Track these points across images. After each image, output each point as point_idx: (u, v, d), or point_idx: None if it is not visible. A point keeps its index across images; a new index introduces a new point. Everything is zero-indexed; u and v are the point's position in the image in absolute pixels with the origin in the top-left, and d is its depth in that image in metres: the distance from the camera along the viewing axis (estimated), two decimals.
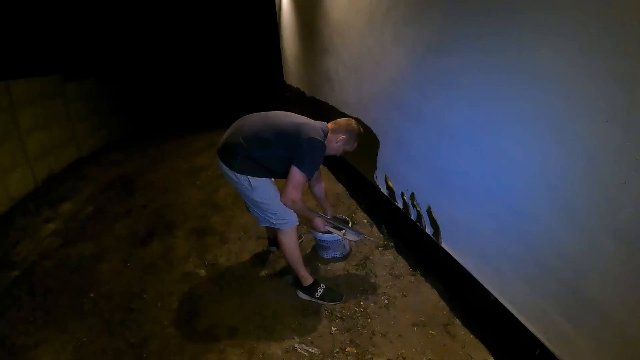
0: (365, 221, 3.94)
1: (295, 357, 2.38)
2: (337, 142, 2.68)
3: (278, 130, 2.53)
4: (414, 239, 3.17)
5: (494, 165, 2.07)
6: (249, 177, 2.56)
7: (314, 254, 3.42)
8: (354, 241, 3.29)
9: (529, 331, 1.98)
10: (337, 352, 2.38)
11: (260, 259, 3.45)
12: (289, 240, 2.76)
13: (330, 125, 2.72)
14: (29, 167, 5.90)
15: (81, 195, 5.61)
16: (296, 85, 7.18)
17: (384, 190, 3.60)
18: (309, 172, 2.47)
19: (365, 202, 4.22)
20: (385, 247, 3.42)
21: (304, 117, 2.72)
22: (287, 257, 2.82)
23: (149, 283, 3.24)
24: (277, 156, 2.53)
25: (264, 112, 2.73)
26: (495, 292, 2.24)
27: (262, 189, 2.62)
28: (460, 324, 2.53)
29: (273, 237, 3.42)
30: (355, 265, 3.23)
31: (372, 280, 3.02)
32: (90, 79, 8.81)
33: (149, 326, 2.75)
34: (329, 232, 2.99)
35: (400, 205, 3.31)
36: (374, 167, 3.76)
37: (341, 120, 2.75)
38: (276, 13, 8.32)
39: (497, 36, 1.89)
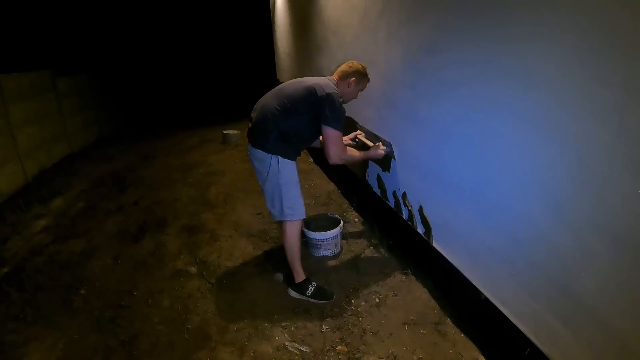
0: (356, 220, 3.95)
1: (286, 356, 2.38)
2: (349, 87, 2.81)
3: (296, 97, 2.61)
4: (405, 238, 3.18)
5: (486, 165, 2.08)
6: (279, 157, 2.62)
7: (304, 253, 3.41)
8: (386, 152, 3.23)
9: (520, 330, 1.99)
10: (328, 351, 2.39)
11: (251, 256, 3.44)
12: (294, 232, 2.79)
13: (335, 76, 2.83)
14: (20, 163, 5.85)
15: (72, 192, 5.58)
16: None
17: (376, 190, 3.61)
18: (339, 126, 2.59)
19: (357, 201, 4.22)
20: (377, 246, 3.43)
21: (311, 77, 2.79)
22: (287, 248, 2.84)
23: (140, 280, 3.23)
24: (304, 122, 2.63)
25: (277, 87, 2.79)
26: (485, 292, 2.25)
27: (288, 170, 2.68)
28: (451, 323, 2.54)
29: None
30: (347, 263, 3.23)
31: (364, 279, 3.02)
32: (82, 74, 8.75)
33: (140, 323, 2.75)
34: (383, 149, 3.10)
35: (391, 204, 3.32)
36: (365, 166, 3.76)
37: (342, 67, 2.84)
38: (270, 10, 8.30)
39: (491, 36, 1.90)
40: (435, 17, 2.36)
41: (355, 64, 2.83)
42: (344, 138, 3.16)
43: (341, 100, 2.64)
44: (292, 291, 2.90)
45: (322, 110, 2.54)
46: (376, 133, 3.42)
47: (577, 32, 1.43)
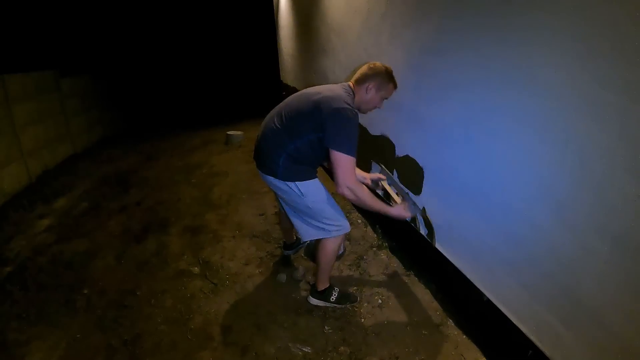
0: (359, 221, 3.95)
1: (289, 356, 2.38)
2: (367, 93, 2.35)
3: (299, 115, 2.27)
4: (408, 240, 3.18)
5: (488, 167, 2.08)
6: (296, 183, 2.34)
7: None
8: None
9: (522, 332, 1.99)
10: (330, 352, 2.39)
11: (253, 257, 3.44)
12: (335, 247, 2.55)
13: (351, 81, 2.40)
14: (24, 163, 5.88)
15: (75, 192, 5.59)
16: (292, 85, 7.18)
17: (379, 191, 3.61)
18: (348, 149, 2.15)
19: None
20: (380, 248, 3.43)
21: (321, 87, 2.39)
22: (322, 262, 2.63)
23: (143, 280, 3.24)
24: (310, 141, 2.27)
25: (285, 100, 2.47)
26: (488, 293, 2.25)
27: (313, 193, 2.40)
28: (453, 324, 2.54)
29: (291, 242, 3.29)
30: (350, 265, 3.23)
31: (366, 280, 3.02)
32: (86, 75, 8.79)
33: (142, 323, 2.75)
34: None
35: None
36: (368, 168, 3.76)
37: (362, 69, 2.39)
38: (274, 12, 8.31)
39: (493, 38, 1.90)
40: (438, 19, 2.36)
41: (377, 65, 2.35)
42: (365, 175, 2.86)
43: (355, 114, 2.22)
44: (314, 299, 2.77)
45: (327, 130, 2.15)
46: (402, 186, 2.99)
47: (579, 36, 1.43)
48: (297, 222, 2.56)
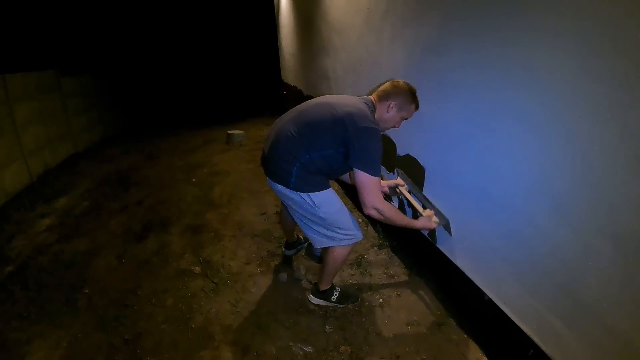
0: (360, 220, 3.94)
1: (290, 356, 2.38)
2: (388, 112, 2.28)
3: (319, 127, 2.17)
4: (409, 239, 3.18)
5: (490, 166, 2.07)
6: (309, 194, 2.25)
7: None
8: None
9: (523, 332, 1.98)
10: (331, 351, 2.39)
11: (255, 256, 3.44)
12: (345, 253, 2.51)
13: (374, 96, 2.33)
14: (25, 162, 5.87)
15: (76, 191, 5.59)
16: (293, 84, 7.18)
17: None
18: (374, 170, 2.10)
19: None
20: (381, 247, 3.43)
21: (341, 98, 2.32)
22: (328, 265, 2.57)
23: (144, 279, 3.24)
24: (327, 156, 2.19)
25: (297, 107, 2.38)
26: (489, 293, 2.25)
27: (327, 204, 2.31)
28: (454, 323, 2.54)
29: (292, 241, 3.28)
30: (350, 264, 3.23)
31: (367, 280, 3.02)
32: (87, 74, 8.79)
33: (143, 322, 2.75)
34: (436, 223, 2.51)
35: (396, 204, 3.31)
36: None
37: (385, 85, 2.32)
38: (275, 11, 8.31)
39: (494, 37, 1.89)
40: (440, 19, 2.36)
41: (402, 84, 2.28)
42: (382, 183, 2.74)
43: (379, 132, 2.16)
44: (315, 298, 2.76)
45: (352, 149, 2.09)
46: (424, 193, 2.83)
47: (580, 34, 1.43)
48: (307, 231, 2.48)
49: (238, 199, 4.73)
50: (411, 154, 2.95)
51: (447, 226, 2.56)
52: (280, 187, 2.30)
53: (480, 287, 2.32)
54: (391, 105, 2.27)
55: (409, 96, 2.27)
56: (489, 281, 2.26)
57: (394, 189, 2.87)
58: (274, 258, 3.38)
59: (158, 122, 10.99)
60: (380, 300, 2.80)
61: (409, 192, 2.81)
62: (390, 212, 2.20)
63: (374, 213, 2.17)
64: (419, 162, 2.84)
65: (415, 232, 2.99)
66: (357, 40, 3.72)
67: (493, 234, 2.13)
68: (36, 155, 6.22)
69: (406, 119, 2.38)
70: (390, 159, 3.25)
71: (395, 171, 3.26)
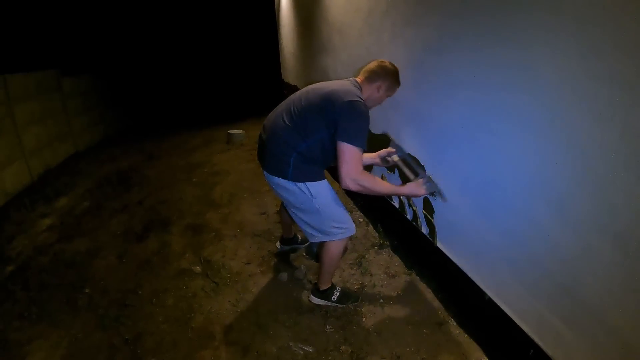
0: (361, 220, 3.95)
1: (290, 356, 2.38)
2: (378, 92, 2.39)
3: (310, 111, 2.22)
4: (410, 239, 3.18)
5: (490, 165, 2.07)
6: (307, 184, 2.29)
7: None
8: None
9: (523, 331, 1.98)
10: (331, 351, 2.39)
11: (255, 256, 3.44)
12: (340, 249, 2.53)
13: (360, 77, 2.40)
14: (25, 162, 5.89)
15: (77, 191, 5.60)
16: (294, 83, 7.17)
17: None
18: (360, 142, 2.12)
19: (361, 201, 4.22)
20: (381, 247, 3.43)
21: (328, 82, 2.38)
22: (325, 263, 2.59)
23: (144, 279, 3.24)
24: (322, 139, 2.22)
25: (290, 97, 2.42)
26: (490, 292, 2.24)
27: (323, 195, 2.35)
28: (454, 323, 2.54)
29: (289, 237, 3.34)
30: (351, 263, 3.23)
31: (368, 279, 3.02)
32: (87, 75, 8.81)
33: (144, 322, 2.75)
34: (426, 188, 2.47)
35: (396, 204, 3.31)
36: (370, 166, 3.76)
37: (371, 65, 2.40)
38: (275, 10, 8.31)
39: (495, 36, 1.89)
40: (440, 18, 2.35)
41: (387, 65, 2.40)
42: (371, 155, 2.78)
43: (367, 108, 2.20)
44: (315, 298, 2.76)
45: (339, 125, 2.10)
46: (416, 160, 2.80)
47: (581, 33, 1.42)
48: (302, 225, 2.52)
49: (239, 198, 4.73)
50: (411, 153, 2.94)
51: (438, 193, 2.55)
52: (278, 180, 2.33)
53: (481, 286, 2.32)
54: (381, 86, 2.38)
55: (397, 77, 2.44)
56: (490, 281, 2.26)
57: (385, 158, 2.84)
58: (275, 258, 3.38)
59: (159, 122, 10.99)
60: (381, 299, 2.80)
61: (402, 159, 2.78)
62: (370, 182, 2.19)
63: (351, 184, 2.15)
64: (418, 162, 2.83)
65: (416, 232, 2.99)
66: (357, 39, 3.72)
67: (493, 234, 2.13)
68: (37, 156, 6.24)
69: (390, 97, 2.52)
70: None
71: (390, 138, 3.24)
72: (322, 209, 2.35)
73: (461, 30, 2.16)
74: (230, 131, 7.64)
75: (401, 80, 2.51)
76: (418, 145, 2.85)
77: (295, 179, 2.27)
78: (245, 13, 13.47)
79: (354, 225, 2.52)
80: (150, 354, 2.48)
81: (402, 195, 2.48)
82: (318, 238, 2.49)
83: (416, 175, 2.66)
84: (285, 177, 2.28)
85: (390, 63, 2.42)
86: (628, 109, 1.30)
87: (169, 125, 10.33)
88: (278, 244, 3.44)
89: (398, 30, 2.89)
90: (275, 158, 2.28)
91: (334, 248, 2.51)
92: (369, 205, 4.03)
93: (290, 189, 2.32)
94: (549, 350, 1.85)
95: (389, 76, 2.38)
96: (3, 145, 5.43)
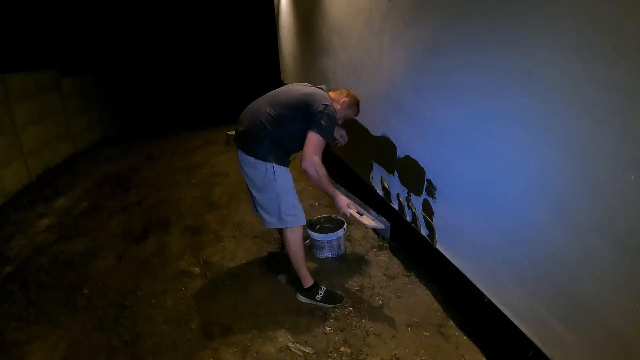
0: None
1: (289, 357, 2.38)
2: (340, 106, 2.79)
3: (291, 104, 2.59)
4: (409, 240, 3.18)
5: (490, 167, 2.07)
6: (274, 164, 2.58)
7: (308, 254, 3.41)
8: (368, 227, 3.06)
9: (523, 333, 1.98)
10: (331, 352, 2.39)
11: (254, 257, 3.44)
12: (297, 238, 2.73)
13: (331, 93, 2.81)
14: (24, 162, 5.88)
15: (76, 191, 5.60)
16: None
17: (380, 192, 3.61)
18: (328, 136, 2.53)
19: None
20: (380, 248, 3.43)
21: (305, 85, 2.79)
22: (291, 255, 2.78)
23: (143, 280, 3.24)
24: (296, 131, 2.57)
25: (270, 93, 2.77)
26: (489, 294, 2.25)
27: (284, 178, 2.64)
28: (454, 325, 2.54)
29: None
30: (350, 265, 3.23)
31: (367, 281, 3.02)
32: (86, 75, 8.79)
33: (143, 323, 2.75)
34: (350, 214, 2.71)
35: (395, 206, 3.32)
36: (369, 168, 3.76)
37: (337, 89, 2.92)
38: (275, 11, 8.31)
39: (495, 38, 1.90)
40: (441, 20, 2.36)
41: (350, 91, 2.91)
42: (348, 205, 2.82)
43: (335, 112, 2.62)
44: (301, 296, 2.85)
45: (313, 120, 2.49)
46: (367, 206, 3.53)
47: (581, 36, 1.43)
48: (259, 211, 2.80)
49: (238, 199, 4.72)
50: (411, 156, 2.95)
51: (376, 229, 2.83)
52: (248, 158, 2.61)
53: (480, 288, 2.32)
54: (343, 101, 2.82)
55: (356, 102, 2.91)
56: (489, 283, 2.26)
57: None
58: (274, 259, 3.38)
59: (158, 123, 10.96)
60: (380, 301, 2.80)
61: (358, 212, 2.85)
62: (322, 172, 2.53)
63: (309, 165, 2.49)
64: (418, 164, 2.84)
65: (416, 234, 2.99)
66: (357, 41, 3.72)
67: (493, 235, 2.13)
68: (35, 155, 6.23)
69: (347, 118, 2.94)
70: (390, 160, 3.26)
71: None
72: (281, 192, 2.63)
73: (461, 32, 2.16)
74: (229, 132, 7.62)
75: (401, 81, 2.67)
76: (418, 146, 2.86)
77: (265, 158, 2.57)
78: (245, 14, 13.46)
79: (304, 215, 2.75)
80: (149, 355, 2.48)
81: (332, 198, 2.73)
82: (272, 225, 2.75)
83: (359, 214, 2.79)
84: (256, 156, 2.57)
85: (353, 91, 2.94)
86: (628, 112, 1.30)
87: (169, 125, 10.31)
88: (279, 246, 3.47)
89: (398, 32, 2.90)
90: (254, 138, 2.58)
91: (290, 237, 2.73)
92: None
93: (259, 169, 2.60)
94: (548, 352, 1.85)
95: (351, 98, 2.86)
96: (2, 145, 5.42)
